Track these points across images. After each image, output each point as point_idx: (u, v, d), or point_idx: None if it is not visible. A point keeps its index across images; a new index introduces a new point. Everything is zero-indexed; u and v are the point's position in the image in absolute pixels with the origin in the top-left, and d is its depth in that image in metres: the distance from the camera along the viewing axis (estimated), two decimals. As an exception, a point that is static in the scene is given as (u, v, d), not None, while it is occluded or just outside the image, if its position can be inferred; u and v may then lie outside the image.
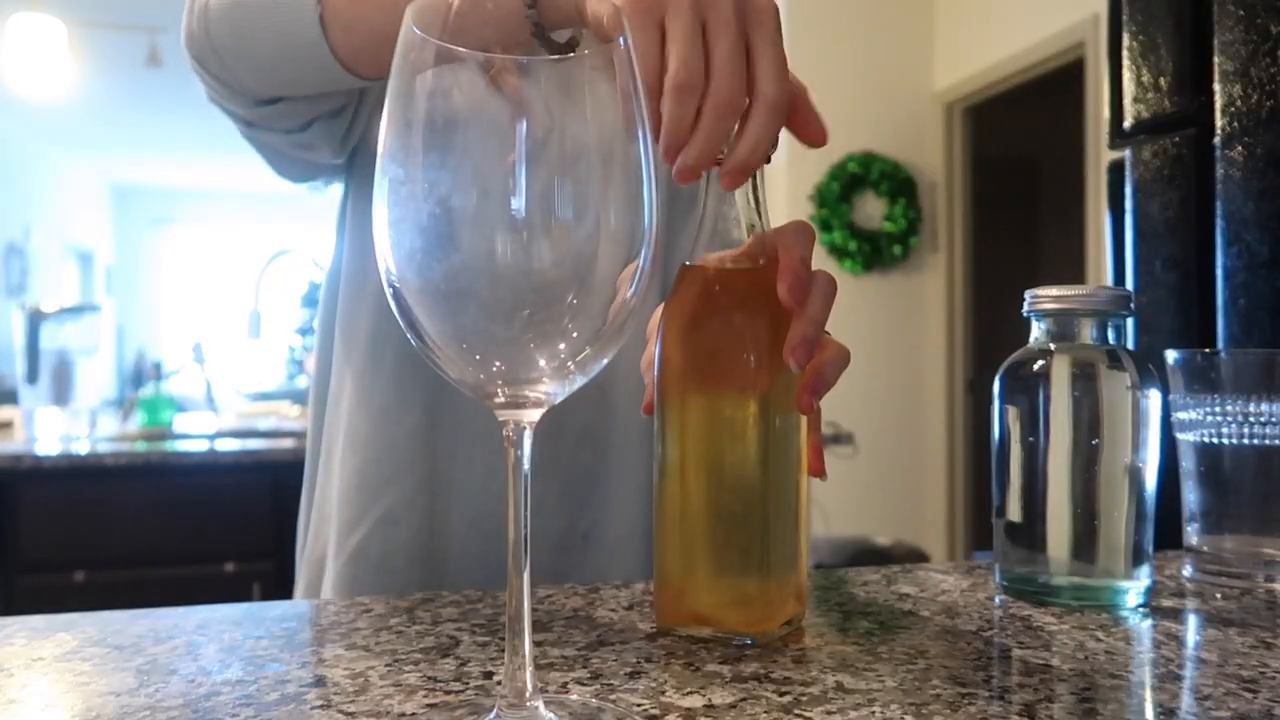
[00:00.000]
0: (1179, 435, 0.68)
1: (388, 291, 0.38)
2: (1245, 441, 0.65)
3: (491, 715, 0.39)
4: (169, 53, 4.86)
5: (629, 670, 0.47)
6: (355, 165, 0.83)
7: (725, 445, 0.51)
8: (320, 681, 0.46)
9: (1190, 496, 0.68)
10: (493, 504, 0.75)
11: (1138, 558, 0.59)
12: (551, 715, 0.39)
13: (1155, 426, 0.59)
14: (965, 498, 4.19)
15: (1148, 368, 0.59)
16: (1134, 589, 0.59)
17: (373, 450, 0.76)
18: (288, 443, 2.29)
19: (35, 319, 2.60)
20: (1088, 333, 0.60)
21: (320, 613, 0.58)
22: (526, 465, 0.40)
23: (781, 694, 0.43)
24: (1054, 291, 0.61)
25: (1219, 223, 0.91)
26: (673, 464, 0.52)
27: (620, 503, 0.79)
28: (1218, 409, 0.66)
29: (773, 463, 0.51)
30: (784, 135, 0.50)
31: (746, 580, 0.51)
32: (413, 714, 0.41)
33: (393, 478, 0.76)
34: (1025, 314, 0.62)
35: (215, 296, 9.42)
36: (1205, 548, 0.67)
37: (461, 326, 0.38)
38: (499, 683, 0.45)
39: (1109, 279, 1.08)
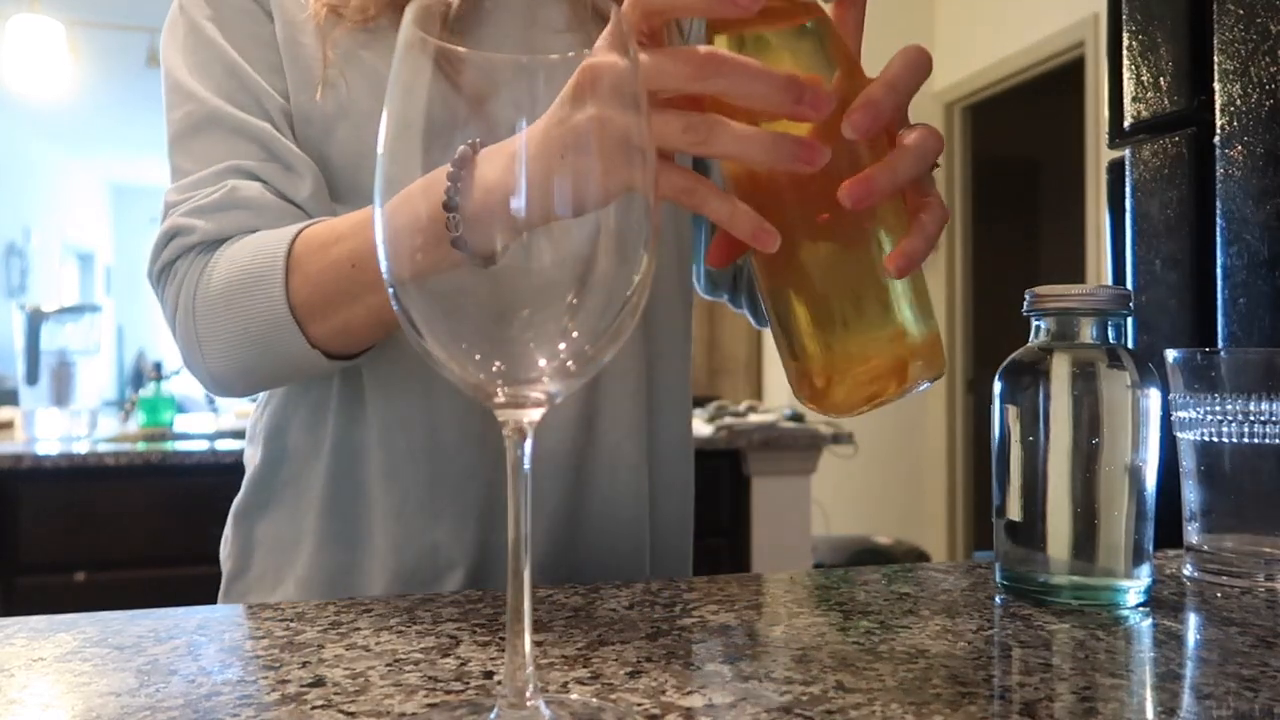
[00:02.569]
0: (1179, 434, 0.68)
1: (388, 291, 0.38)
2: (1245, 440, 0.65)
3: (492, 715, 0.39)
4: (169, 53, 4.85)
5: (629, 670, 0.47)
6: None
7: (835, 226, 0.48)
8: (320, 681, 0.46)
9: (1190, 495, 0.68)
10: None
11: (1138, 557, 0.59)
12: (552, 715, 0.39)
13: (1155, 425, 0.59)
14: (965, 498, 4.19)
15: (1148, 367, 0.59)
16: (1134, 588, 0.59)
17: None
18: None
19: (35, 319, 2.60)
20: (1088, 332, 0.60)
21: (320, 613, 0.58)
22: (527, 465, 0.40)
23: (781, 694, 0.43)
24: (1054, 291, 0.61)
25: (1219, 222, 0.91)
26: (783, 261, 0.49)
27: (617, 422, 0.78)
28: (1218, 408, 0.66)
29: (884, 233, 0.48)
30: None
31: (896, 329, 0.50)
32: (413, 714, 0.41)
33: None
34: (1025, 314, 0.62)
35: (215, 297, 9.40)
36: (1205, 547, 0.67)
37: (461, 327, 0.38)
38: (499, 682, 0.45)
39: (1109, 278, 1.08)
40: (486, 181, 0.38)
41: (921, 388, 0.51)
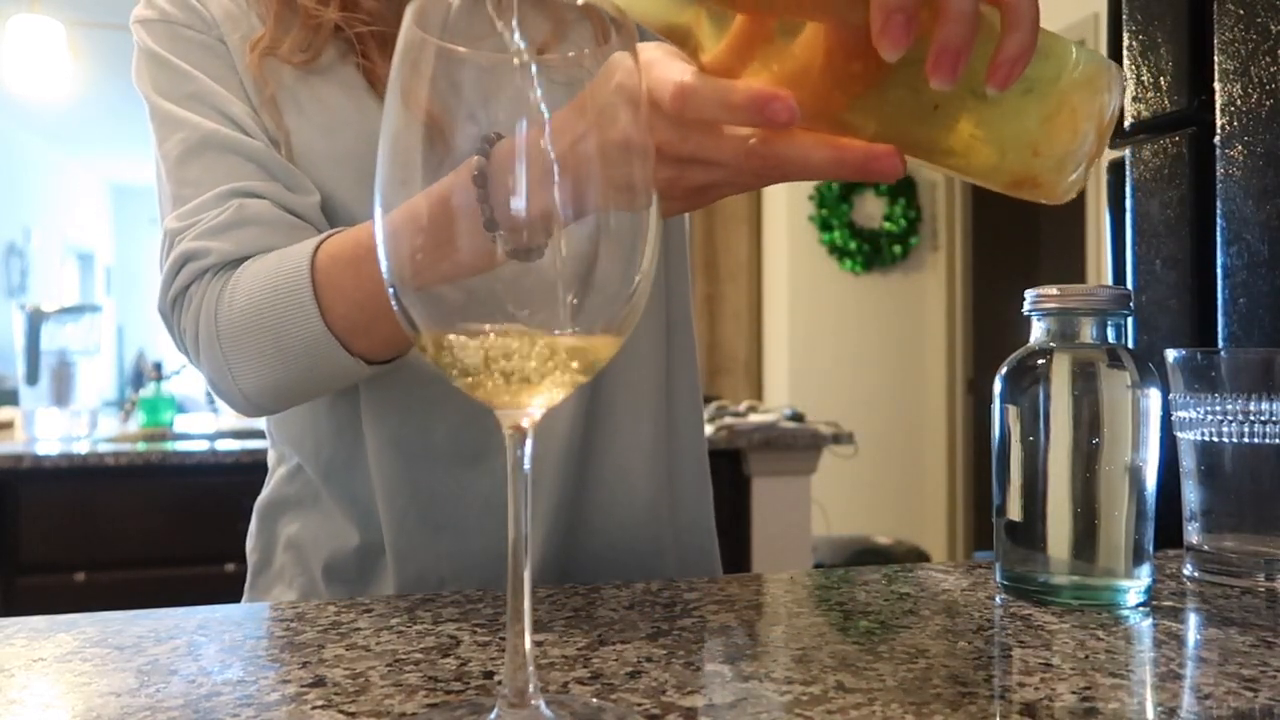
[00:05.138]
0: (1179, 434, 0.68)
1: (388, 291, 0.38)
2: (1245, 440, 0.65)
3: (492, 715, 0.39)
4: (169, 53, 4.85)
5: (629, 670, 0.47)
6: None
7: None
8: (320, 681, 0.46)
9: (1190, 495, 0.68)
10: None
11: (1138, 557, 0.59)
12: (552, 715, 0.39)
13: (1155, 425, 0.59)
14: (965, 498, 4.19)
15: (1148, 367, 0.59)
16: (1134, 588, 0.59)
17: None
18: (288, 443, 2.27)
19: (35, 319, 2.60)
20: (1088, 332, 0.60)
21: (320, 613, 0.58)
22: (527, 465, 0.40)
23: (781, 694, 0.43)
24: (1054, 291, 0.61)
25: (1219, 222, 0.91)
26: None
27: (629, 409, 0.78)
28: (1218, 408, 0.66)
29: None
30: None
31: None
32: (413, 714, 0.41)
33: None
34: (1025, 313, 0.62)
35: (215, 297, 9.40)
36: (1206, 546, 0.67)
37: (461, 327, 0.38)
38: (499, 683, 0.45)
39: (1109, 278, 1.08)
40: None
41: (1112, 109, 0.47)
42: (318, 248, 0.62)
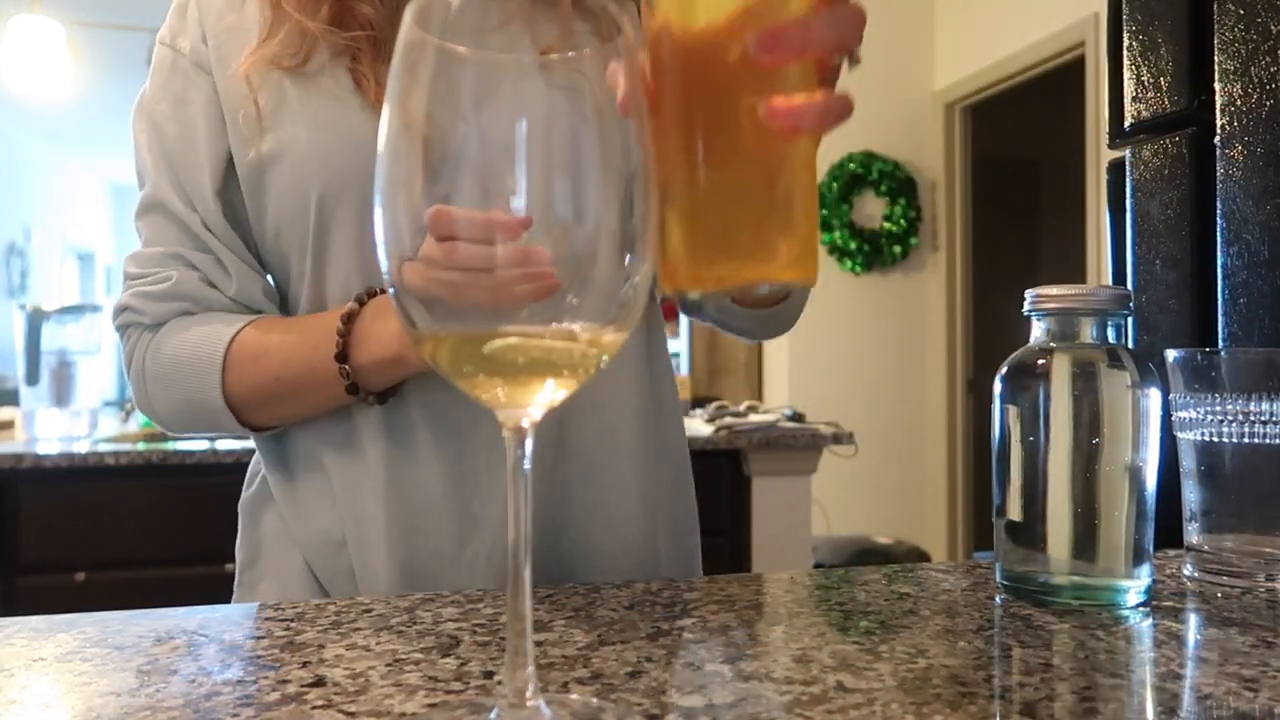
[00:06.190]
0: (1179, 434, 0.68)
1: (389, 291, 0.38)
2: (1245, 440, 0.65)
3: (492, 715, 0.39)
4: (169, 53, 4.85)
5: (629, 670, 0.47)
6: None
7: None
8: (320, 681, 0.46)
9: (1190, 496, 0.68)
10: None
11: (1138, 557, 0.59)
12: (552, 715, 0.39)
13: (1155, 425, 0.59)
14: (965, 498, 4.19)
15: (1148, 367, 0.59)
16: (1134, 588, 0.59)
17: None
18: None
19: (35, 319, 2.60)
20: (1088, 332, 0.60)
21: (320, 613, 0.58)
22: (527, 465, 0.40)
23: (781, 694, 0.43)
24: (1054, 291, 0.61)
25: (1219, 222, 0.91)
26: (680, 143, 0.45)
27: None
28: (1218, 408, 0.66)
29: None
30: None
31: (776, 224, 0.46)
32: (413, 714, 0.41)
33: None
34: (1025, 314, 0.62)
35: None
36: (1206, 547, 0.67)
37: (461, 327, 0.38)
38: (499, 682, 0.45)
39: (1109, 278, 1.08)
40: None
41: (785, 287, 0.47)
42: (234, 337, 0.75)
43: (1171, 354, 0.69)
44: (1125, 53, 1.00)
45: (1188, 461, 0.68)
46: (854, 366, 4.20)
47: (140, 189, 0.80)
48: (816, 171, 0.47)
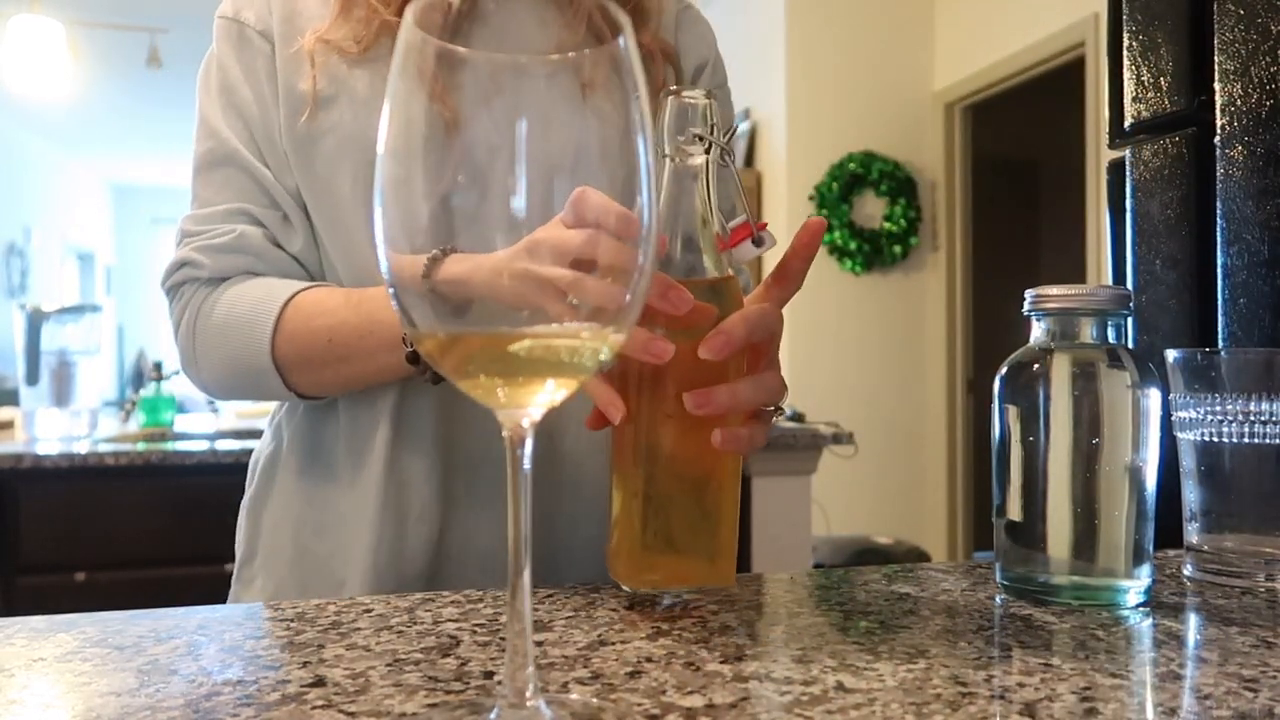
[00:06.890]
0: (1179, 434, 0.68)
1: (388, 291, 0.38)
2: (1245, 440, 0.65)
3: (492, 715, 0.39)
4: (169, 53, 4.86)
5: (629, 670, 0.47)
6: None
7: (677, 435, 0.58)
8: (320, 681, 0.46)
9: (1190, 495, 0.68)
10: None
11: (1138, 557, 0.59)
12: (552, 715, 0.39)
13: (1155, 425, 0.59)
14: (965, 498, 4.19)
15: (1148, 367, 0.59)
16: (1134, 588, 0.59)
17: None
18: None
19: (35, 319, 2.60)
20: (1088, 332, 0.60)
21: (320, 613, 0.58)
22: (527, 465, 0.40)
23: (781, 694, 0.43)
24: (1054, 291, 0.61)
25: (1219, 222, 0.91)
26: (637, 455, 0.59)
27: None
28: (1218, 408, 0.66)
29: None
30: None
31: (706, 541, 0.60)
32: (413, 714, 0.41)
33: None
34: (1025, 314, 0.62)
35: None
36: (1205, 547, 0.67)
37: (461, 327, 0.38)
38: (499, 683, 0.45)
39: (1109, 278, 1.08)
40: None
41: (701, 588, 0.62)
42: (293, 296, 0.74)
43: (1171, 354, 0.69)
44: (1125, 53, 1.00)
45: (1188, 461, 0.68)
46: (854, 366, 4.20)
47: (199, 149, 0.80)
48: (740, 482, 0.61)
